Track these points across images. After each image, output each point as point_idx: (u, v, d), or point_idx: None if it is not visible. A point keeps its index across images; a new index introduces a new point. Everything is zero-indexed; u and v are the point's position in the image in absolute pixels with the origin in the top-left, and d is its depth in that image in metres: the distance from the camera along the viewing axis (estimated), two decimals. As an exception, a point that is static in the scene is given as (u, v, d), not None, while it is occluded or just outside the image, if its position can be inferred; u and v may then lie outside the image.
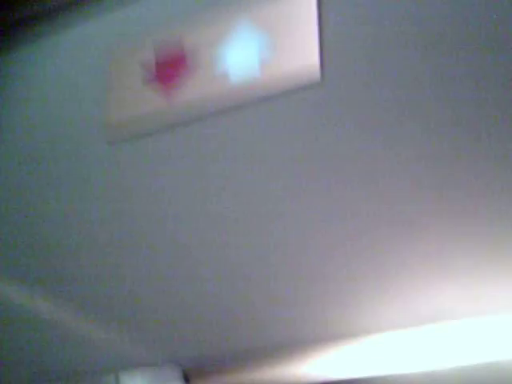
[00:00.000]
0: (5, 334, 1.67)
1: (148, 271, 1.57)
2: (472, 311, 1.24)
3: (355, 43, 1.52)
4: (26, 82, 1.94)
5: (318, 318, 1.37)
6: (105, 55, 1.82)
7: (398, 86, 1.44)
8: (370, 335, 1.30)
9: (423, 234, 1.32)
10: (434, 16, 1.44)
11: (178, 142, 1.64)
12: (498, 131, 1.32)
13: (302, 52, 1.55)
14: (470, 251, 1.28)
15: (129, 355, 1.51)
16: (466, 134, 1.35)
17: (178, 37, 1.71)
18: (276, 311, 1.41)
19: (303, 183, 1.47)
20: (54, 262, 1.68)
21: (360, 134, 1.45)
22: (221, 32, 1.65)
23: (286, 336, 1.38)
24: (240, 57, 1.61)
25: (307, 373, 1.33)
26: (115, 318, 1.56)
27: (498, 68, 1.35)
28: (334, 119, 1.49)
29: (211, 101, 1.62)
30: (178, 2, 1.76)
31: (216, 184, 1.56)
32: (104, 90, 1.78)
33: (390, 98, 1.44)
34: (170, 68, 1.70)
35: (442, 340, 1.25)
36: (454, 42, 1.41)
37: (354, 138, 1.45)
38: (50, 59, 1.94)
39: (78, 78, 1.85)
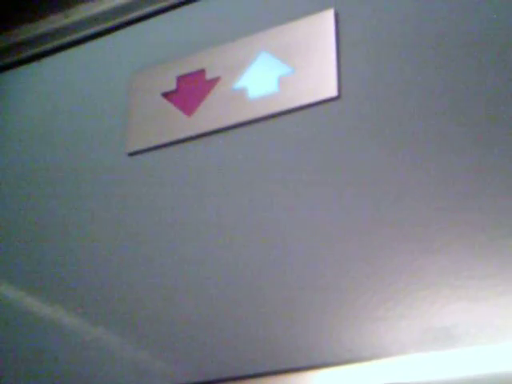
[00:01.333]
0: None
1: (165, 286, 1.59)
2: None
3: (373, 59, 1.57)
4: (49, 94, 2.00)
5: (329, 339, 1.39)
6: (126, 69, 1.88)
7: (415, 103, 1.49)
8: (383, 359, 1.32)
9: (442, 249, 1.36)
10: (453, 34, 1.49)
11: (197, 154, 1.69)
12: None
13: (319, 68, 1.59)
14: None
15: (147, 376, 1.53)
16: (484, 152, 1.39)
17: (198, 61, 1.75)
18: (282, 333, 1.42)
19: (320, 197, 1.51)
20: (73, 277, 1.72)
21: (377, 149, 1.49)
22: (240, 55, 1.71)
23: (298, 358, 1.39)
24: (258, 74, 1.66)
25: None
26: (128, 336, 1.58)
27: None
28: (350, 134, 1.53)
29: (230, 115, 1.67)
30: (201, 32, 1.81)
31: (234, 197, 1.60)
32: (124, 105, 1.83)
33: (407, 115, 1.49)
34: (190, 83, 1.74)
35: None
36: (475, 58, 1.46)
37: (370, 152, 1.50)
38: (72, 72, 1.99)
39: (100, 92, 1.91)
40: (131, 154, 1.77)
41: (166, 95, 1.77)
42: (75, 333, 1.63)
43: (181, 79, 1.77)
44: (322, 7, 1.66)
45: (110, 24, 1.96)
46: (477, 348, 1.25)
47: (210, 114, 1.69)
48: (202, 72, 1.74)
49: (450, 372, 1.25)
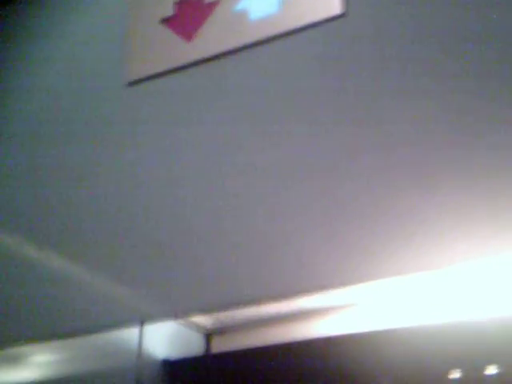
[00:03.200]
0: (25, 289, 1.64)
1: (168, 220, 1.54)
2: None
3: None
4: (47, 24, 1.93)
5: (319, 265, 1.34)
6: (125, 2, 1.80)
7: (424, 19, 1.40)
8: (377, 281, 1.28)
9: (433, 182, 1.29)
10: None
11: (199, 80, 1.62)
12: None
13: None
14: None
15: (151, 308, 1.49)
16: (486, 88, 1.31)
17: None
18: (289, 258, 1.37)
19: (324, 117, 1.45)
20: (73, 215, 1.66)
21: (384, 68, 1.42)
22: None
23: (306, 280, 1.34)
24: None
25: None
26: (138, 270, 1.54)
27: None
28: (355, 53, 1.45)
29: (231, 38, 1.59)
30: None
31: (236, 122, 1.54)
32: (123, 32, 1.76)
33: (413, 31, 1.40)
34: (189, 7, 1.66)
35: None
36: None
37: (377, 72, 1.42)
38: (69, 3, 1.92)
39: (97, 21, 1.84)
40: (131, 84, 1.71)
41: (164, 21, 1.70)
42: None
43: (179, 4, 1.69)
44: None
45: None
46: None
47: (210, 38, 1.62)
48: (200, -4, 1.66)
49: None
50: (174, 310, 1.45)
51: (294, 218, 1.37)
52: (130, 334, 1.49)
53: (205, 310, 1.42)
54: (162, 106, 1.65)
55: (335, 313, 1.37)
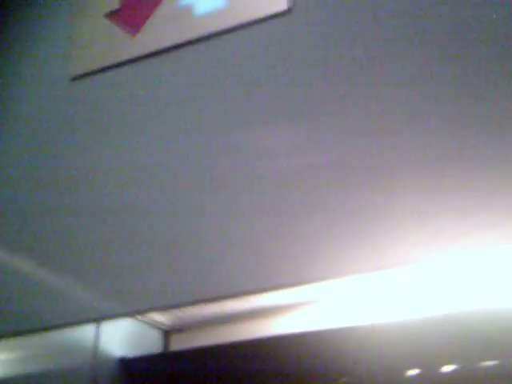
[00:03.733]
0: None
1: (120, 218, 1.51)
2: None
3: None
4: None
5: (284, 263, 1.33)
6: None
7: (370, 16, 1.41)
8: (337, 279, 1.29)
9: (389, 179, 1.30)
10: None
11: (143, 75, 1.60)
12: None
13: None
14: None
15: (108, 306, 1.46)
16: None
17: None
18: (245, 256, 1.36)
19: (270, 113, 1.44)
20: (24, 213, 1.63)
21: (328, 64, 1.42)
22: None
23: (261, 280, 1.33)
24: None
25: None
26: (94, 268, 1.51)
27: None
28: (301, 49, 1.46)
29: (176, 33, 1.58)
30: None
31: (181, 117, 1.53)
32: (67, 27, 1.73)
33: (359, 30, 1.42)
34: (134, 1, 1.65)
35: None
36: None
37: (321, 68, 1.43)
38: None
39: (41, 16, 1.81)
40: (74, 79, 1.68)
41: (109, 15, 1.68)
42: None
43: (125, -4, 1.67)
44: None
45: None
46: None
47: (156, 33, 1.60)
48: (146, -11, 1.65)
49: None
50: (132, 309, 1.44)
51: (253, 217, 1.37)
52: (86, 332, 1.47)
53: (163, 308, 1.41)
54: (105, 100, 1.62)
55: (294, 310, 1.37)
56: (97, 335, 1.45)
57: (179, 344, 1.47)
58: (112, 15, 1.67)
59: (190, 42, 1.56)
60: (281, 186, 1.37)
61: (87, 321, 1.48)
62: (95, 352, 1.44)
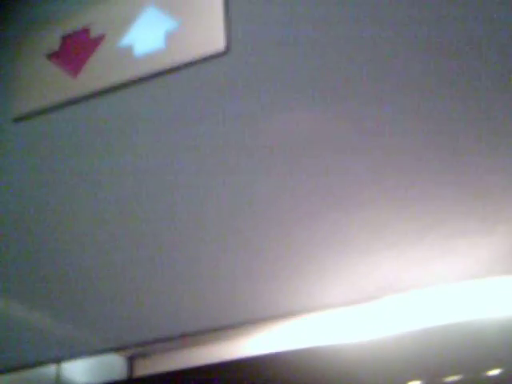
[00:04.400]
0: None
1: (82, 252, 1.53)
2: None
3: (261, 12, 1.51)
4: None
5: (259, 295, 1.35)
6: (10, 30, 1.78)
7: (306, 56, 1.44)
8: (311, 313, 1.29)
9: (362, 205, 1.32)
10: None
11: (84, 116, 1.62)
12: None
13: (206, 21, 1.53)
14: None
15: (70, 344, 1.47)
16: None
17: (82, 18, 1.67)
18: (216, 291, 1.38)
19: (209, 156, 1.46)
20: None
21: (265, 103, 1.45)
22: (125, 10, 1.63)
23: (229, 315, 1.36)
24: (144, 30, 1.59)
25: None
26: (53, 304, 1.52)
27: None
28: (239, 89, 1.48)
29: (116, 73, 1.59)
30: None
31: (121, 158, 1.54)
32: (9, 68, 1.74)
33: (293, 68, 1.45)
34: (75, 42, 1.66)
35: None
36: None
37: (258, 107, 1.45)
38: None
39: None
40: (16, 120, 1.68)
41: (50, 56, 1.69)
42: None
43: (65, 39, 1.68)
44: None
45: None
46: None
47: (96, 73, 1.62)
48: (86, 30, 1.66)
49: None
50: (92, 349, 1.45)
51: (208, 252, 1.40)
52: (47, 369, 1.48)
53: (124, 346, 1.42)
54: (47, 141, 1.63)
55: (271, 325, 1.32)
56: (58, 375, 1.46)
57: (144, 369, 1.45)
58: (53, 56, 1.68)
59: (129, 83, 1.58)
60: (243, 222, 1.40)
61: (47, 362, 1.48)
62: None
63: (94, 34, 1.65)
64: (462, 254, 1.22)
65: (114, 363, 1.43)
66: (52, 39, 1.69)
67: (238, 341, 1.34)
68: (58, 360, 1.48)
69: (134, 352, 1.42)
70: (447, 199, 1.26)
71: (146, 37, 1.59)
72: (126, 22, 1.62)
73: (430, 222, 1.25)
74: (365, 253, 1.28)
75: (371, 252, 1.27)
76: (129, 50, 1.59)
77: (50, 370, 1.48)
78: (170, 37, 1.56)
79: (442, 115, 1.30)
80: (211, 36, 1.52)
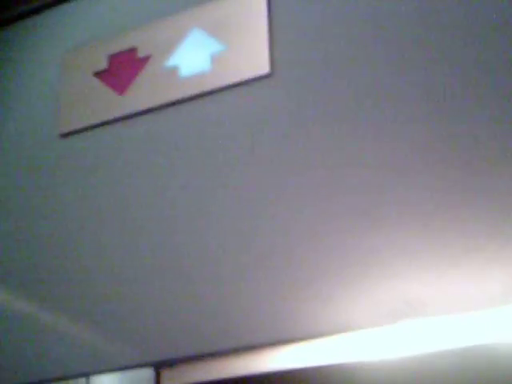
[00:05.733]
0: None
1: (113, 269, 1.57)
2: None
3: (305, 36, 1.54)
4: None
5: (287, 316, 1.38)
6: (59, 49, 1.83)
7: (348, 79, 1.47)
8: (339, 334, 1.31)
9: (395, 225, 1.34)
10: (385, 18, 1.48)
11: (129, 134, 1.66)
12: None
13: (251, 45, 1.57)
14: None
15: (100, 358, 1.51)
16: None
17: (130, 38, 1.72)
18: (244, 310, 1.42)
19: (253, 176, 1.50)
20: (9, 261, 1.69)
21: (309, 126, 1.48)
22: (172, 32, 1.67)
23: (256, 335, 1.39)
24: (190, 51, 1.63)
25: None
26: (83, 318, 1.56)
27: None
28: (282, 111, 1.52)
29: (161, 94, 1.63)
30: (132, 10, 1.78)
31: (167, 176, 1.58)
32: (57, 84, 1.79)
33: (336, 93, 1.48)
34: (122, 61, 1.71)
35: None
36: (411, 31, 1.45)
37: (302, 129, 1.48)
38: (4, 52, 1.93)
39: (31, 73, 1.86)
40: (63, 136, 1.73)
41: (97, 74, 1.73)
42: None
43: (112, 58, 1.73)
44: (253, -18, 1.63)
45: (40, 3, 1.91)
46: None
47: (142, 92, 1.66)
48: (133, 50, 1.70)
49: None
50: (120, 362, 1.49)
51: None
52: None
53: (152, 360, 1.46)
54: (94, 157, 1.67)
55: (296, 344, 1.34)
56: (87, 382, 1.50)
57: (170, 380, 1.46)
58: (100, 74, 1.73)
59: (175, 103, 1.62)
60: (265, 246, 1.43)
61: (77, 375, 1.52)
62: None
63: (141, 53, 1.69)
64: (497, 280, 1.24)
65: (142, 376, 1.45)
66: (100, 58, 1.74)
67: (262, 355, 1.36)
68: (87, 373, 1.52)
69: (161, 365, 1.45)
70: (483, 225, 1.27)
71: (192, 58, 1.63)
72: (173, 43, 1.66)
73: (466, 247, 1.27)
74: (398, 276, 1.30)
75: (404, 276, 1.30)
76: (174, 70, 1.63)
77: (79, 383, 1.52)
78: (215, 59, 1.60)
79: (479, 144, 1.32)
80: (256, 59, 1.55)
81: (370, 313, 1.30)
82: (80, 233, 1.63)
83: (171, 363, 1.43)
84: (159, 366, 1.44)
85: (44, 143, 1.75)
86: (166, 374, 1.43)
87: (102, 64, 1.73)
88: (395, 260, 1.31)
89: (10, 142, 1.81)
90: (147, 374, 1.43)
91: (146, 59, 1.68)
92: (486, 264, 1.25)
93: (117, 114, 1.67)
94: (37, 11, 1.93)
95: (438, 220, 1.30)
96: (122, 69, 1.70)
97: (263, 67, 1.54)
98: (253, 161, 1.50)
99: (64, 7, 1.90)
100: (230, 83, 1.57)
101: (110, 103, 1.69)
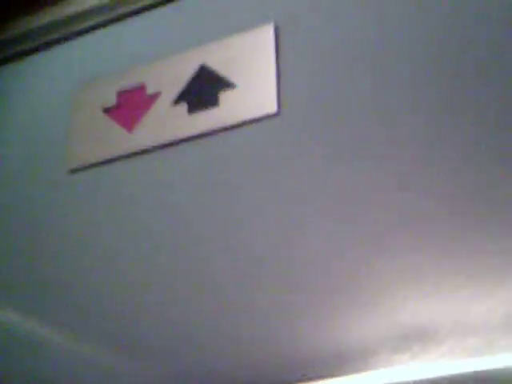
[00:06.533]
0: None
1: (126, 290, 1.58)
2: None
3: (312, 74, 1.56)
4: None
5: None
6: (68, 83, 1.86)
7: (354, 118, 1.48)
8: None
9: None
10: (394, 46, 1.50)
11: (138, 170, 1.67)
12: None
13: (259, 83, 1.59)
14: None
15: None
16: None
17: (139, 75, 1.74)
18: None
19: (262, 212, 1.51)
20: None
21: (316, 163, 1.49)
22: (181, 69, 1.69)
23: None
24: (199, 89, 1.65)
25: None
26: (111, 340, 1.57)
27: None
28: (290, 150, 1.53)
29: (170, 131, 1.65)
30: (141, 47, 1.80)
31: (172, 214, 1.59)
32: (66, 119, 1.81)
33: (345, 130, 1.49)
34: (131, 98, 1.73)
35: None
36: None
37: (308, 167, 1.50)
38: (13, 86, 1.96)
39: (40, 108, 1.88)
40: (72, 171, 1.75)
41: (106, 111, 1.75)
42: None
43: (121, 94, 1.75)
44: (262, 21, 1.65)
45: (50, 37, 1.93)
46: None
47: (151, 129, 1.67)
48: (142, 87, 1.72)
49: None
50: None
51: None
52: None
53: None
54: (101, 193, 1.69)
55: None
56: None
57: None
58: (109, 110, 1.74)
59: (183, 140, 1.63)
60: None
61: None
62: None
63: (150, 90, 1.71)
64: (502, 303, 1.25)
65: None
66: (109, 94, 1.76)
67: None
68: None
69: None
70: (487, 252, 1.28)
71: (200, 96, 1.64)
72: (182, 80, 1.68)
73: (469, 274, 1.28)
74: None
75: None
76: (183, 107, 1.65)
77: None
78: (223, 97, 1.61)
79: (501, 171, 1.33)
80: (264, 98, 1.57)
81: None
82: (91, 271, 1.64)
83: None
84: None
85: (53, 179, 1.77)
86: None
87: (111, 100, 1.75)
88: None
89: (19, 177, 1.83)
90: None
91: (155, 96, 1.69)
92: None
93: (125, 150, 1.69)
94: (46, 46, 1.96)
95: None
96: (131, 105, 1.72)
97: (271, 106, 1.56)
98: (261, 199, 1.52)
99: (73, 42, 1.93)
100: (238, 121, 1.58)
101: (118, 140, 1.70)
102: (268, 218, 1.50)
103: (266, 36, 1.62)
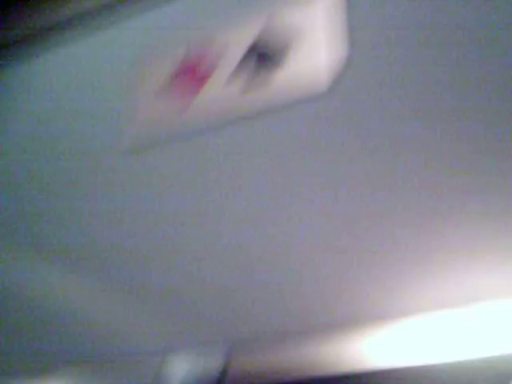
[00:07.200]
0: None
1: (185, 253, 1.61)
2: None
3: (365, 53, 1.55)
4: (45, 91, 2.00)
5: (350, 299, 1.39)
6: (122, 65, 1.88)
7: (409, 96, 1.47)
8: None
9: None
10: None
11: (194, 150, 1.69)
12: None
13: (310, 64, 1.59)
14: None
15: (174, 337, 1.54)
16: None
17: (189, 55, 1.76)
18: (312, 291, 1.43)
19: (316, 192, 1.52)
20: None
21: (367, 143, 1.49)
22: (231, 51, 1.70)
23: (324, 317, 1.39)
24: (251, 70, 1.66)
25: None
26: (157, 298, 1.60)
27: None
28: (341, 129, 1.53)
29: (223, 112, 1.67)
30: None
31: (227, 194, 1.61)
32: (120, 101, 1.83)
33: (398, 107, 1.48)
34: (184, 79, 1.74)
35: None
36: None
37: (360, 146, 1.50)
38: (67, 66, 2.00)
39: (96, 88, 1.92)
40: (129, 152, 1.78)
41: (160, 91, 1.77)
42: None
43: (175, 75, 1.76)
44: None
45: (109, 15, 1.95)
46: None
47: (203, 110, 1.69)
48: (193, 68, 1.74)
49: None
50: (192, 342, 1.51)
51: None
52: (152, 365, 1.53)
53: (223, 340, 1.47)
54: (156, 176, 1.72)
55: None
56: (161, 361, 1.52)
57: (242, 363, 1.42)
58: (163, 92, 1.77)
59: (235, 120, 1.65)
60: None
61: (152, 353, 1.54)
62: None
63: (201, 71, 1.72)
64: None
65: (212, 356, 1.47)
66: (163, 76, 1.77)
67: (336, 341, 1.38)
68: (162, 353, 1.53)
69: (231, 346, 1.47)
70: None
71: (253, 77, 1.65)
72: (233, 61, 1.68)
73: None
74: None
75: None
76: (234, 89, 1.66)
77: (153, 362, 1.53)
78: (274, 76, 1.62)
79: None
80: (315, 76, 1.57)
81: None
82: (148, 249, 1.67)
83: (246, 342, 1.44)
84: (234, 345, 1.45)
85: (108, 160, 1.80)
86: (241, 353, 1.45)
87: (166, 81, 1.77)
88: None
89: (72, 160, 1.87)
90: (222, 352, 1.44)
91: (206, 76, 1.71)
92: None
93: (180, 130, 1.71)
94: (100, 27, 1.98)
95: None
96: (185, 86, 1.74)
97: (322, 85, 1.56)
98: (317, 179, 1.52)
99: (127, 21, 1.95)
100: (289, 101, 1.59)
101: (172, 121, 1.73)
102: (315, 196, 1.51)
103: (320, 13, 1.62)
